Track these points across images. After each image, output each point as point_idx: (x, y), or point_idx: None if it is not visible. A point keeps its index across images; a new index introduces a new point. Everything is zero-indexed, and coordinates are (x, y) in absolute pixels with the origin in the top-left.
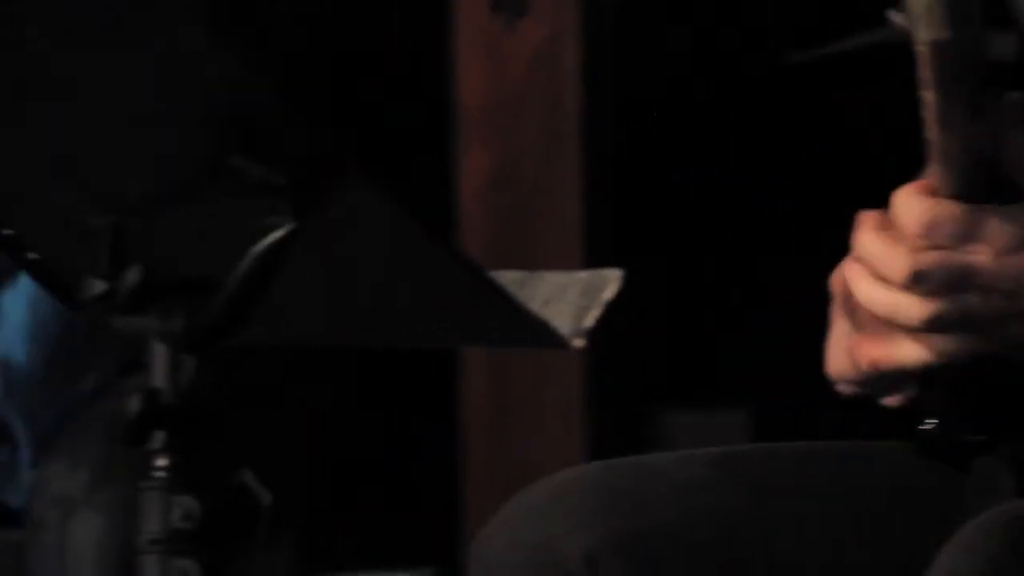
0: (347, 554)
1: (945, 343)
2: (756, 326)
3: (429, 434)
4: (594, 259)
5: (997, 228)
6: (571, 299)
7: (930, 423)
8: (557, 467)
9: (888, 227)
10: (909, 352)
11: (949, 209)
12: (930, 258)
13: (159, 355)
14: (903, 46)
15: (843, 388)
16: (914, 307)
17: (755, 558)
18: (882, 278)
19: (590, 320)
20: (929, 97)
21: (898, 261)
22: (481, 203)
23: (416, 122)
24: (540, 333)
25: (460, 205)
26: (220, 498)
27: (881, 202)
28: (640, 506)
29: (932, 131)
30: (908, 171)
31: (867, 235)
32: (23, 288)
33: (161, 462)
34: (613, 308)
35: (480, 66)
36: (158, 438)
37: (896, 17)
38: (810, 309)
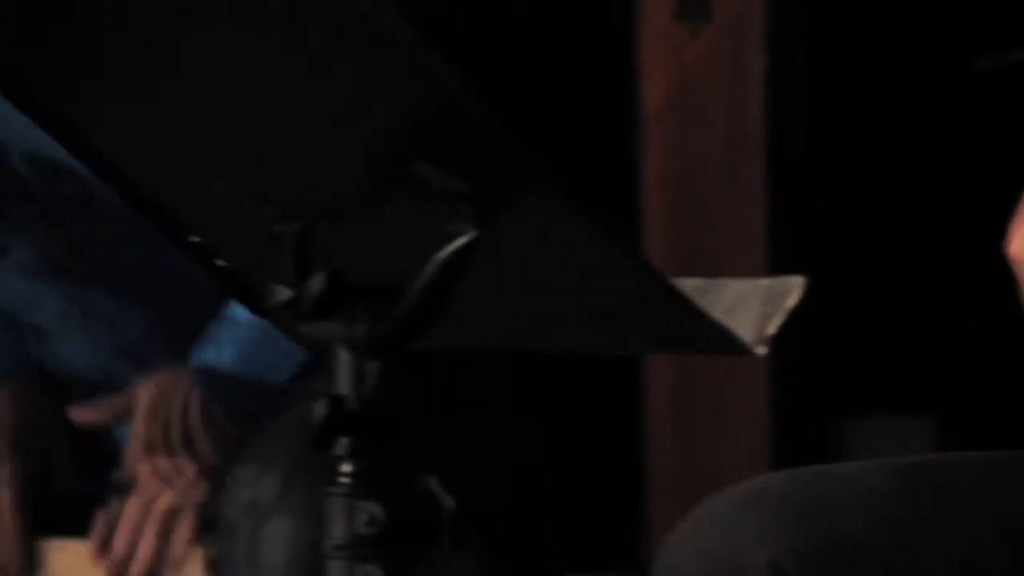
0: (533, 560)
1: None
2: (942, 332)
3: (614, 441)
4: (777, 266)
5: None
6: (753, 306)
7: None
8: (742, 475)
9: None
10: None
11: None
12: None
13: (343, 361)
14: None
15: None
16: None
17: (941, 568)
18: None
19: (773, 327)
20: None
21: None
22: (663, 210)
23: (599, 128)
24: (722, 340)
25: (642, 212)
26: (405, 504)
27: None
28: (826, 516)
29: None
30: None
31: None
32: None
33: (346, 468)
34: (797, 315)
35: (663, 72)
36: (343, 444)
37: None
38: (995, 315)
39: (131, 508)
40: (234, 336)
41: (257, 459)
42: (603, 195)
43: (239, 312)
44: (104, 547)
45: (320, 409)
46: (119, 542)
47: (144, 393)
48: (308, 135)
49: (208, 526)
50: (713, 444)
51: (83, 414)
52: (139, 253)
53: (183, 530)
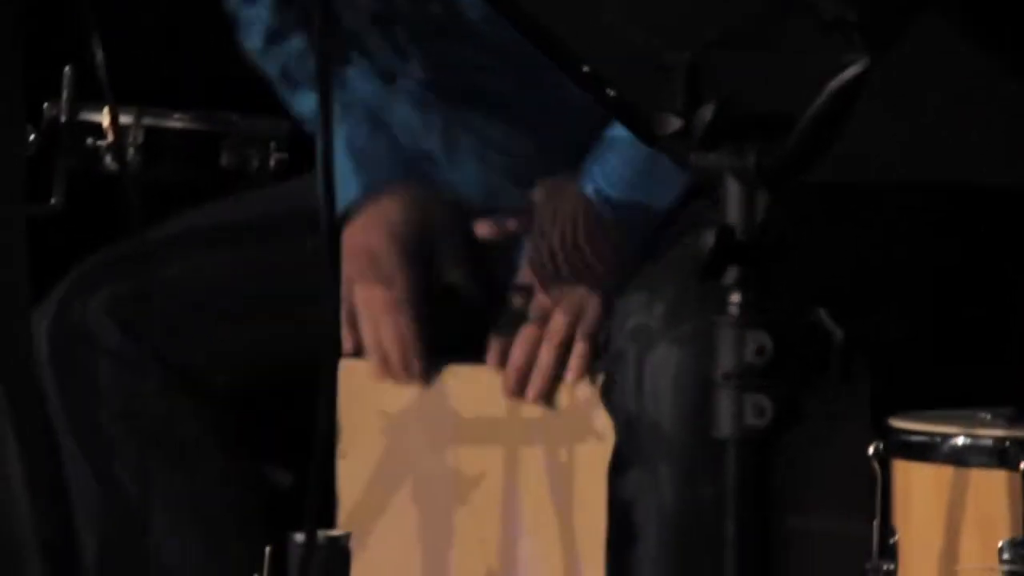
0: (925, 392)
1: None
2: None
3: (1002, 275)
4: None
5: None
6: None
7: None
8: None
9: None
10: None
11: None
12: None
13: (732, 191)
14: None
15: None
16: None
17: None
18: None
19: None
20: None
21: None
22: None
23: None
24: None
25: None
26: (793, 334)
27: None
28: None
29: None
30: None
31: None
32: None
33: (734, 297)
34: None
35: None
36: (731, 274)
37: None
38: None
39: (528, 329)
40: (614, 161)
41: (645, 287)
42: (999, 26)
43: (619, 138)
44: (501, 363)
45: (709, 239)
46: (516, 355)
47: (540, 198)
48: None
49: (598, 353)
50: None
51: (485, 228)
52: (520, 78)
53: (579, 353)
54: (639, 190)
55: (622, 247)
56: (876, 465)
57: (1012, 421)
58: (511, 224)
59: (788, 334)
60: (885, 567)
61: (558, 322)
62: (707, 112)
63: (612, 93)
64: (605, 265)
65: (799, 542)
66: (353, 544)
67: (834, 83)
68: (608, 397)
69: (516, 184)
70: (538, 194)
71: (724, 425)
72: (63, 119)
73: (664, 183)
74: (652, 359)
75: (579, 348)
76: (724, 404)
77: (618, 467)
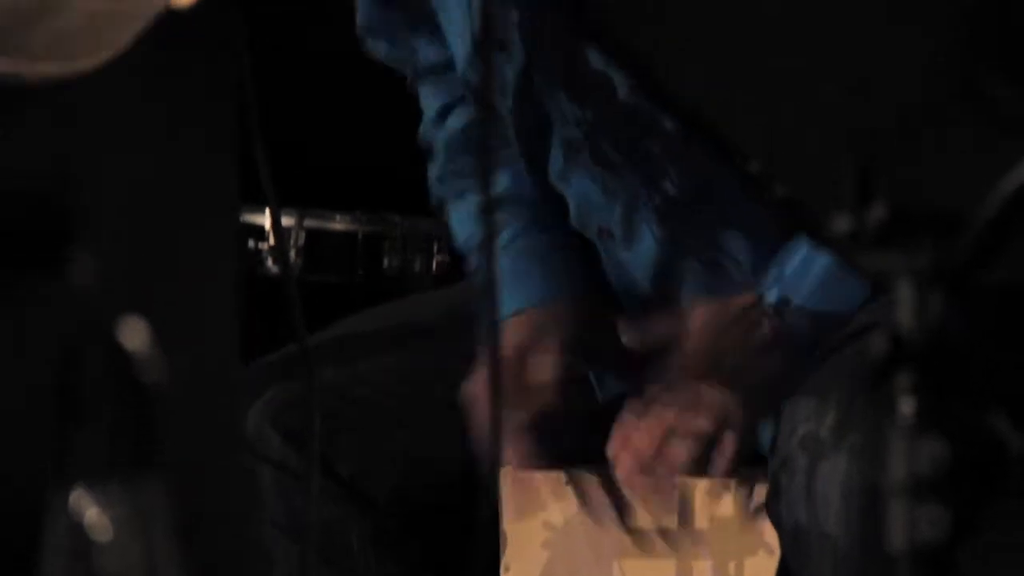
0: None
1: None
2: None
3: None
4: None
5: None
6: None
7: None
8: None
9: None
10: None
11: None
12: None
13: (905, 292)
14: None
15: None
16: None
17: None
18: None
19: None
20: None
21: None
22: None
23: None
24: None
25: None
26: (970, 444)
27: None
28: None
29: None
30: None
31: None
32: None
33: (907, 405)
34: None
35: None
36: (904, 380)
37: None
38: None
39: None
40: (811, 267)
41: (814, 392)
42: None
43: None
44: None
45: (881, 343)
46: (642, 440)
47: (699, 316)
48: (869, 53)
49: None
50: None
51: (632, 335)
52: (701, 162)
53: (723, 456)
54: (830, 294)
55: (795, 360)
56: None
57: None
58: (657, 331)
59: (965, 443)
60: None
61: (691, 427)
62: (879, 210)
63: (780, 191)
64: (763, 382)
65: None
66: None
67: (1010, 183)
68: (773, 506)
69: (699, 269)
70: (698, 309)
71: (897, 538)
72: None
73: (855, 287)
74: (822, 469)
75: (722, 457)
76: (897, 516)
77: None
